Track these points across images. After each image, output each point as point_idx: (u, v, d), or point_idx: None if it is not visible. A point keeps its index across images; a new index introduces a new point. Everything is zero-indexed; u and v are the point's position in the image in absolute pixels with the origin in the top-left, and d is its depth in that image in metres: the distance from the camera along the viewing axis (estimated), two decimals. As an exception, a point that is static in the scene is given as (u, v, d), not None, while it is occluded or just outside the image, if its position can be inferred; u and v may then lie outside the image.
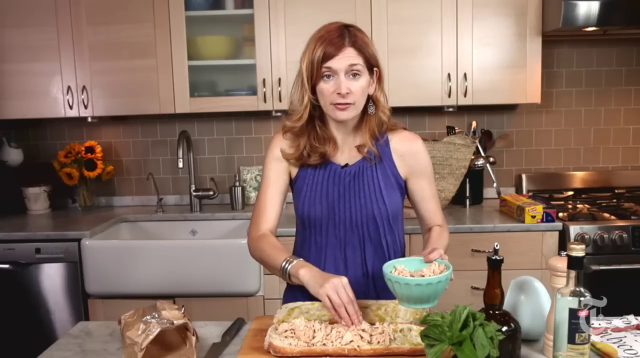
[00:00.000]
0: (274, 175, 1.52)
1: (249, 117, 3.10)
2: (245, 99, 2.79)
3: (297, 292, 1.50)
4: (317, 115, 1.46)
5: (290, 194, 1.57)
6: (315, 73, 1.37)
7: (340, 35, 1.36)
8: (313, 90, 1.41)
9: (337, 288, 1.26)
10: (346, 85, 1.36)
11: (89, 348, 1.37)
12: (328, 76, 1.37)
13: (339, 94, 1.37)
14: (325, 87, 1.38)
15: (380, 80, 1.45)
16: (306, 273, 1.32)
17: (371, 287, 1.51)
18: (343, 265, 1.50)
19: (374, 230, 1.48)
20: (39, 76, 2.78)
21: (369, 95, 1.44)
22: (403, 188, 1.53)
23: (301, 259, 1.38)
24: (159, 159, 3.17)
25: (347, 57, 1.36)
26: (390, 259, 1.50)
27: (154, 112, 2.79)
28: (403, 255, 1.56)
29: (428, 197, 1.54)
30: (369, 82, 1.41)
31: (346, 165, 1.50)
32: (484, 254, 2.45)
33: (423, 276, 1.23)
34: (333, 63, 1.35)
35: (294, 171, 1.53)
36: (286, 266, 1.37)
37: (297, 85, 1.43)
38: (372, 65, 1.41)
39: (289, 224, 1.61)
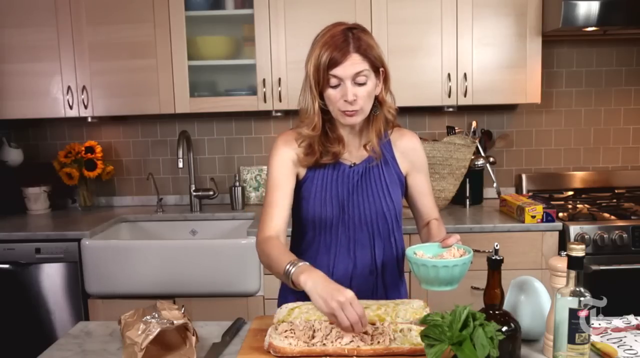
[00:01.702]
0: (281, 177, 1.48)
1: (249, 117, 3.10)
2: (245, 99, 2.79)
3: (294, 291, 1.49)
4: (327, 118, 1.46)
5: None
6: (322, 80, 1.37)
7: (345, 40, 1.35)
8: (321, 95, 1.41)
9: (344, 307, 1.17)
10: (353, 91, 1.37)
11: (89, 348, 1.37)
12: (334, 82, 1.37)
13: (346, 100, 1.37)
14: (333, 93, 1.38)
15: (386, 80, 1.45)
16: (308, 281, 1.24)
17: (380, 284, 1.53)
18: (352, 264, 1.50)
19: (383, 227, 1.50)
20: (39, 76, 2.78)
21: (375, 96, 1.44)
22: (404, 185, 1.55)
23: (305, 263, 1.30)
24: (159, 159, 3.17)
25: (353, 65, 1.35)
26: (398, 256, 1.54)
27: (154, 112, 2.79)
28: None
29: (426, 191, 1.57)
30: (375, 85, 1.41)
31: (354, 164, 1.51)
32: (484, 254, 2.44)
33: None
34: (339, 71, 1.35)
35: (302, 172, 1.51)
36: (290, 269, 1.29)
37: (306, 90, 1.42)
38: (378, 67, 1.41)
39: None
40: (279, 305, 1.58)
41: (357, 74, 1.36)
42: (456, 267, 1.23)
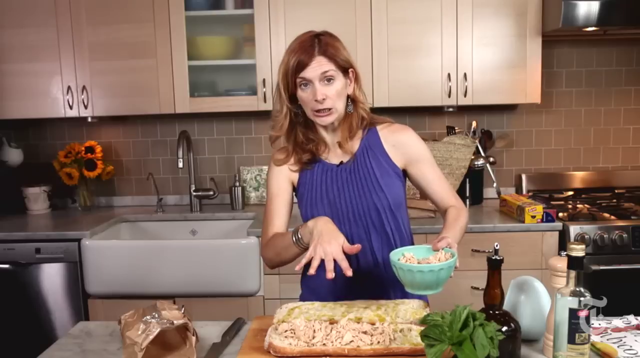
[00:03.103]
0: (275, 188, 1.58)
1: (249, 117, 3.10)
2: (245, 99, 2.79)
3: (312, 295, 1.55)
4: (299, 121, 1.53)
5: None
6: (290, 84, 1.45)
7: (311, 45, 1.43)
8: (293, 99, 1.48)
9: (325, 254, 1.29)
10: (322, 91, 1.43)
11: (89, 348, 1.37)
12: (304, 85, 1.44)
13: (316, 100, 1.43)
14: (304, 95, 1.46)
15: (357, 79, 1.51)
16: (312, 222, 1.38)
17: (384, 276, 1.53)
18: (354, 258, 1.51)
19: (377, 219, 1.52)
20: (39, 76, 2.78)
21: (348, 95, 1.50)
22: (402, 177, 1.56)
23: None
24: (159, 159, 3.17)
25: (319, 66, 1.42)
26: (396, 246, 1.53)
27: (154, 112, 2.79)
28: (412, 242, 1.60)
29: (432, 180, 1.56)
30: (345, 84, 1.48)
31: (341, 163, 1.55)
32: (484, 254, 2.45)
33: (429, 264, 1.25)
34: (306, 73, 1.42)
35: (296, 179, 1.58)
36: (297, 235, 1.41)
37: (277, 96, 1.51)
38: (345, 68, 1.47)
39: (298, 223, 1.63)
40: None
41: (324, 74, 1.43)
42: (432, 272, 1.21)
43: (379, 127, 1.57)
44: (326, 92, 1.43)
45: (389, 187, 1.52)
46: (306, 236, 1.39)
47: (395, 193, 1.53)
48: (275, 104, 1.54)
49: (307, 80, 1.43)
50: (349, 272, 1.28)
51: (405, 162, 1.55)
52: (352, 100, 1.52)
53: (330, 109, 1.45)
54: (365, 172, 1.52)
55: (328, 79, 1.43)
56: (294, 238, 1.41)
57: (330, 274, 1.27)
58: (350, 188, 1.52)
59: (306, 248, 1.39)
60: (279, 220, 1.56)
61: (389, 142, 1.55)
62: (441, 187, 1.57)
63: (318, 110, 1.45)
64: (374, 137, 1.55)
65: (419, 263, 1.27)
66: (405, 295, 1.42)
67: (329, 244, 1.30)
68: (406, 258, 1.29)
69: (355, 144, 1.54)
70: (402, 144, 1.55)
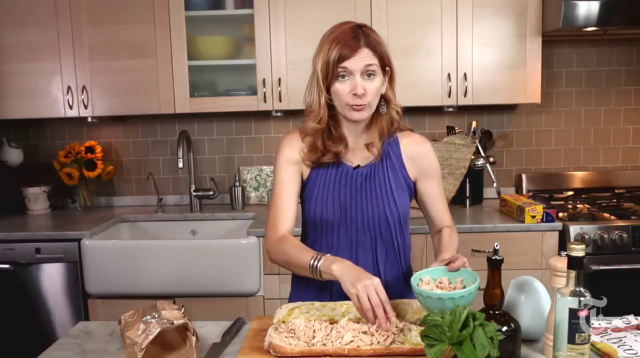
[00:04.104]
0: (287, 177, 1.50)
1: (249, 117, 3.10)
2: (245, 99, 2.79)
3: (303, 294, 1.52)
4: (330, 115, 1.46)
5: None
6: (330, 74, 1.38)
7: (355, 37, 1.37)
8: (327, 90, 1.41)
9: (368, 290, 1.22)
10: (362, 85, 1.37)
11: (89, 348, 1.37)
12: (343, 76, 1.38)
13: (355, 94, 1.38)
14: (341, 87, 1.39)
15: (391, 79, 1.47)
16: (338, 268, 1.29)
17: (385, 288, 1.50)
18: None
19: (385, 231, 1.50)
20: (39, 76, 2.78)
21: (381, 95, 1.45)
22: (412, 190, 1.54)
23: (329, 255, 1.36)
24: (159, 159, 3.17)
25: (363, 58, 1.37)
26: (401, 260, 1.53)
27: (154, 112, 2.79)
28: (410, 255, 1.59)
29: (437, 198, 1.56)
30: (382, 82, 1.43)
31: (358, 166, 1.51)
32: (484, 254, 2.45)
33: (454, 287, 1.27)
34: (349, 63, 1.36)
35: (306, 172, 1.52)
36: (315, 264, 1.33)
37: (312, 86, 1.43)
38: (385, 64, 1.42)
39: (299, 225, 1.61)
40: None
41: (367, 66, 1.37)
42: (462, 298, 1.19)
43: (400, 135, 1.53)
44: (366, 86, 1.37)
45: (401, 199, 1.50)
46: (327, 275, 1.32)
47: (404, 206, 1.51)
48: (309, 95, 1.44)
49: (348, 72, 1.37)
50: (386, 323, 1.22)
51: (418, 175, 1.53)
52: (385, 100, 1.47)
53: (365, 105, 1.39)
54: (381, 181, 1.48)
55: (369, 74, 1.38)
56: (311, 264, 1.34)
57: (385, 324, 1.22)
58: (363, 195, 1.48)
59: (320, 279, 1.35)
60: (289, 214, 1.49)
61: (408, 153, 1.52)
62: (443, 206, 1.56)
63: (353, 104, 1.39)
64: (395, 145, 1.52)
65: (437, 285, 1.28)
66: None
67: (368, 278, 1.24)
68: (424, 282, 1.29)
69: (377, 149, 1.49)
70: (419, 156, 1.53)
